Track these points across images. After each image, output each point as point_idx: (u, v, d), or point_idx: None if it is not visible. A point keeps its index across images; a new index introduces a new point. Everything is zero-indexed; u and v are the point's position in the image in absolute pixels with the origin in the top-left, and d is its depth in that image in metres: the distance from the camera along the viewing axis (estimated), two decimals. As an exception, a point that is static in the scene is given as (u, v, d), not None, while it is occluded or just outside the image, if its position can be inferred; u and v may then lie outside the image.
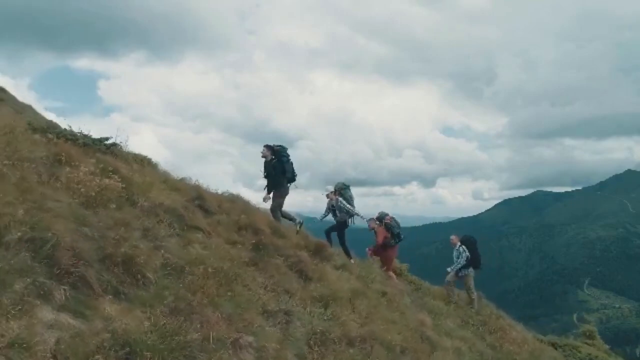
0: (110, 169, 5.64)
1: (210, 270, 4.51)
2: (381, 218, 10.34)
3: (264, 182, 8.71)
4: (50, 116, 27.68)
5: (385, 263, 9.96)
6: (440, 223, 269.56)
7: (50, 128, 7.33)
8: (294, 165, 8.62)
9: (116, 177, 5.23)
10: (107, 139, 8.01)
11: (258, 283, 5.03)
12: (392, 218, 10.35)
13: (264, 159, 8.62)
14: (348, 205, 9.06)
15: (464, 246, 10.62)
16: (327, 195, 9.49)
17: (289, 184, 8.59)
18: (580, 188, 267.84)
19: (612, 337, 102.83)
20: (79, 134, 7.50)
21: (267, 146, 8.60)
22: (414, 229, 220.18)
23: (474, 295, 10.61)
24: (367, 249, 10.47)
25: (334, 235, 9.51)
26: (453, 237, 11.01)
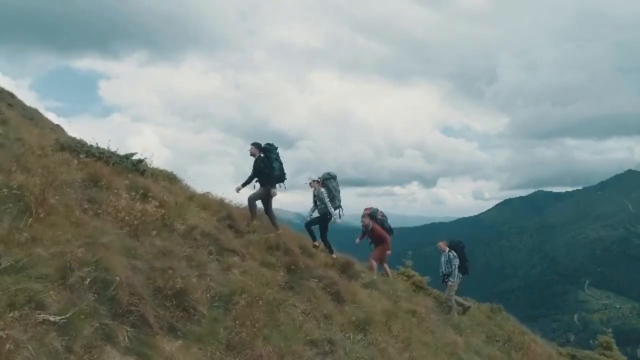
0: (149, 194, 5.65)
1: (253, 298, 4.52)
2: (374, 214, 10.09)
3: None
4: (50, 116, 27.67)
5: (379, 258, 9.79)
6: (440, 223, 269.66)
7: (77, 145, 7.35)
8: (283, 165, 8.26)
9: (154, 201, 5.23)
10: (132, 154, 8.03)
11: (298, 309, 5.04)
12: (383, 213, 10.27)
13: (253, 157, 8.23)
14: (326, 199, 8.50)
15: (453, 252, 10.34)
16: (310, 184, 8.95)
17: (277, 185, 8.20)
18: (580, 188, 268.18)
19: (612, 338, 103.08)
20: (106, 151, 7.52)
21: (254, 144, 8.30)
22: (414, 229, 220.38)
23: (453, 302, 10.18)
24: (371, 258, 9.79)
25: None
26: (441, 243, 10.71)
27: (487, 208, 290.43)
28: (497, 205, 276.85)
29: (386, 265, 10.05)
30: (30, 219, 3.42)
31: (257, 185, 8.19)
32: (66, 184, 5.12)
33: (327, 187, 8.66)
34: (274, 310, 4.59)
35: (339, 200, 8.71)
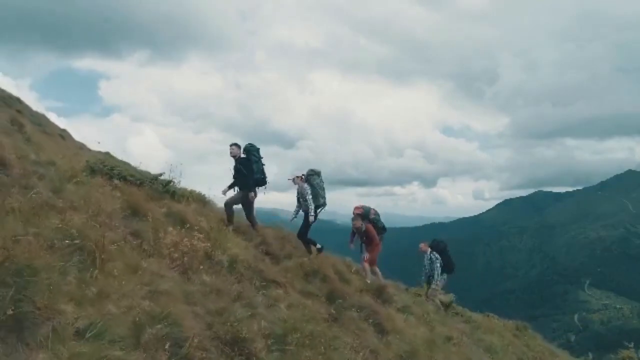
0: (186, 222, 5.57)
1: (306, 336, 4.44)
2: (367, 214, 9.34)
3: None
4: (51, 116, 27.58)
5: (369, 257, 9.03)
6: (441, 223, 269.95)
7: (107, 168, 7.25)
8: (264, 167, 7.97)
9: (197, 234, 5.13)
10: (160, 175, 7.95)
11: (345, 344, 4.96)
12: (375, 211, 9.55)
13: (234, 158, 7.95)
14: (309, 196, 8.10)
15: (435, 253, 10.13)
16: (293, 180, 8.45)
17: (257, 187, 7.92)
18: (580, 188, 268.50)
19: (613, 338, 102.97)
20: (137, 174, 7.43)
21: (235, 145, 7.99)
22: (414, 229, 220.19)
23: (436, 298, 10.03)
24: (363, 261, 9.07)
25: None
26: (422, 245, 10.42)
27: (487, 208, 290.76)
28: (497, 205, 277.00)
29: (376, 268, 9.24)
30: (96, 271, 3.33)
31: (237, 188, 7.90)
32: (110, 216, 5.04)
33: (310, 183, 8.28)
34: (327, 349, 4.51)
35: (323, 198, 8.37)
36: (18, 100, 26.33)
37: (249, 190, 7.73)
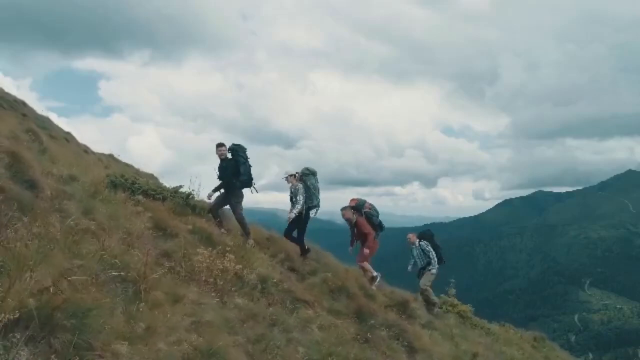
0: (213, 238, 5.51)
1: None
2: (360, 206, 8.61)
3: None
4: (51, 116, 27.59)
5: (365, 257, 8.42)
6: (441, 223, 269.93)
7: (128, 183, 7.19)
8: (251, 168, 7.68)
9: (228, 255, 5.07)
10: (180, 187, 7.89)
11: (379, 366, 4.91)
12: (372, 205, 8.79)
13: (220, 159, 7.65)
14: (300, 196, 7.73)
15: (425, 241, 9.58)
16: (287, 179, 8.08)
17: (243, 188, 7.65)
18: (580, 188, 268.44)
19: (613, 338, 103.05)
20: (157, 188, 7.38)
21: (223, 145, 7.68)
22: (414, 229, 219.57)
23: (429, 291, 9.45)
24: (358, 262, 8.54)
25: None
26: (410, 235, 9.87)
27: (487, 208, 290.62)
28: (497, 205, 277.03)
29: (366, 264, 8.44)
30: (142, 304, 3.26)
31: (222, 190, 7.62)
32: (140, 237, 4.98)
33: (305, 183, 7.94)
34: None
35: (317, 199, 8.01)
36: (23, 103, 26.27)
37: (236, 191, 7.50)
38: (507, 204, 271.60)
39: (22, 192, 4.12)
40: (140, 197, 6.59)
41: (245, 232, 7.39)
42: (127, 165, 31.94)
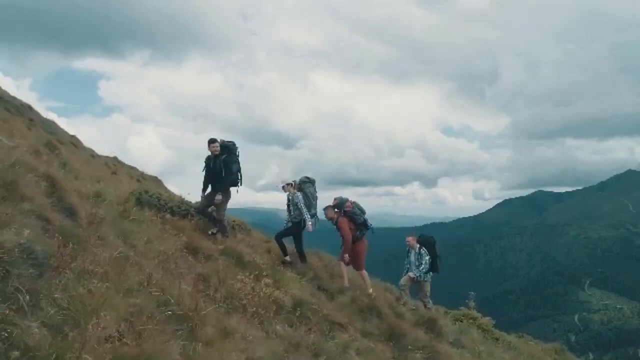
0: (244, 259, 5.45)
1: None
2: (341, 205, 8.29)
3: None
4: (51, 116, 27.54)
5: (354, 262, 8.08)
6: (441, 223, 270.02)
7: (154, 200, 7.14)
8: (240, 167, 7.46)
9: (265, 279, 5.02)
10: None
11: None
12: (354, 203, 8.40)
13: (213, 155, 7.39)
14: (302, 204, 7.50)
15: (424, 248, 9.28)
16: (284, 188, 7.86)
17: (232, 188, 7.45)
18: (580, 188, 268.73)
19: (613, 338, 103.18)
20: (183, 205, 7.32)
21: (215, 140, 7.39)
22: (414, 229, 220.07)
23: (431, 304, 9.22)
24: (338, 260, 8.23)
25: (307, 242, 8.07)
26: (410, 239, 9.44)
27: (487, 208, 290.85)
28: (497, 205, 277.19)
29: (364, 273, 8.17)
30: (199, 344, 3.20)
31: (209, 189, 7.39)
32: (176, 261, 4.93)
33: (303, 192, 7.74)
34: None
35: (315, 208, 7.84)
36: (29, 107, 26.20)
37: (225, 190, 7.27)
38: (507, 204, 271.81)
39: (64, 221, 4.05)
40: (167, 215, 6.53)
41: (222, 232, 7.06)
42: (131, 167, 31.90)
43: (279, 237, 7.78)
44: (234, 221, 7.68)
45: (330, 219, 8.24)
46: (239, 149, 7.49)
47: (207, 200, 7.36)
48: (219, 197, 7.13)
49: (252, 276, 4.96)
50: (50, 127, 24.53)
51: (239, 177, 7.37)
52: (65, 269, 2.98)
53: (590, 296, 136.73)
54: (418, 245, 9.36)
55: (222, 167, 7.18)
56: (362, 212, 8.28)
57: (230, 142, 7.45)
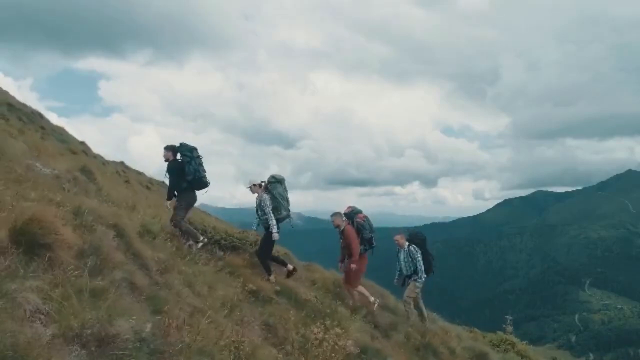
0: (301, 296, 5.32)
1: None
2: (353, 214, 7.86)
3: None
4: (51, 116, 27.34)
5: (352, 277, 7.71)
6: (441, 223, 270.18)
7: (198, 230, 6.99)
8: (203, 167, 7.04)
9: (337, 330, 4.86)
10: (246, 231, 7.69)
11: None
12: (366, 217, 7.96)
13: (165, 161, 7.07)
14: (268, 209, 6.97)
15: (414, 245, 8.45)
16: (251, 189, 7.31)
17: (196, 190, 7.08)
18: (580, 188, 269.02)
19: (614, 338, 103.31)
20: (227, 236, 7.18)
21: (166, 147, 7.10)
22: (414, 229, 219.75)
23: (424, 310, 8.47)
24: (340, 264, 7.83)
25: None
26: (398, 237, 8.67)
27: (487, 208, 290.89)
28: (497, 205, 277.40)
29: (361, 288, 7.77)
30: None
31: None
32: (240, 308, 4.80)
33: (270, 193, 7.17)
34: None
35: (286, 210, 7.25)
36: (40, 115, 26.03)
37: (185, 194, 6.93)
38: (507, 204, 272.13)
39: (135, 272, 3.91)
40: (215, 249, 6.39)
41: (193, 240, 6.71)
42: (138, 173, 31.70)
43: (264, 256, 6.98)
44: (277, 252, 7.54)
45: (337, 226, 7.78)
46: (196, 150, 7.09)
47: (178, 211, 7.05)
48: (169, 202, 6.98)
49: (322, 326, 4.82)
50: (60, 134, 24.37)
51: (199, 178, 6.94)
52: (180, 356, 2.83)
53: (591, 296, 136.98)
54: (407, 244, 8.53)
55: (176, 171, 6.92)
56: (372, 229, 7.94)
57: (182, 143, 7.15)
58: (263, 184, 7.29)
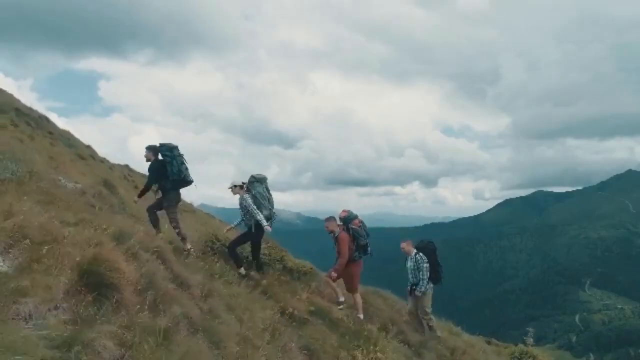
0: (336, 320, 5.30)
1: None
2: (348, 220, 7.66)
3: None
4: (51, 116, 27.29)
5: (347, 283, 7.58)
6: (441, 223, 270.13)
7: (224, 246, 6.96)
8: (185, 165, 7.01)
9: (379, 354, 4.84)
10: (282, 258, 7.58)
11: None
12: (362, 222, 7.83)
13: (147, 161, 7.08)
14: (251, 207, 6.94)
15: (421, 254, 8.20)
16: (232, 190, 7.31)
17: (179, 188, 7.09)
18: (580, 188, 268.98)
19: (614, 338, 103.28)
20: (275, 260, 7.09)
21: (147, 147, 7.07)
22: (414, 229, 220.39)
23: (432, 320, 8.25)
24: (328, 273, 7.55)
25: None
26: (404, 245, 8.44)
27: (487, 208, 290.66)
28: (497, 205, 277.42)
29: (358, 297, 7.57)
30: None
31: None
32: (279, 331, 4.78)
33: (252, 193, 7.18)
34: None
35: (268, 209, 7.22)
36: (46, 119, 25.91)
37: (169, 193, 6.92)
38: (507, 204, 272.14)
39: (188, 304, 3.89)
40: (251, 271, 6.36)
41: (181, 238, 6.82)
42: (143, 175, 31.57)
43: (232, 247, 7.09)
44: (296, 264, 7.53)
45: (330, 232, 7.57)
46: (177, 149, 7.07)
47: (155, 204, 7.14)
48: (165, 201, 6.98)
49: (364, 351, 4.81)
50: (68, 139, 24.25)
51: (181, 177, 6.94)
52: None
53: (591, 296, 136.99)
54: (414, 252, 8.31)
55: (157, 171, 6.94)
56: (367, 235, 7.76)
57: (163, 143, 7.12)
58: (244, 184, 7.30)
